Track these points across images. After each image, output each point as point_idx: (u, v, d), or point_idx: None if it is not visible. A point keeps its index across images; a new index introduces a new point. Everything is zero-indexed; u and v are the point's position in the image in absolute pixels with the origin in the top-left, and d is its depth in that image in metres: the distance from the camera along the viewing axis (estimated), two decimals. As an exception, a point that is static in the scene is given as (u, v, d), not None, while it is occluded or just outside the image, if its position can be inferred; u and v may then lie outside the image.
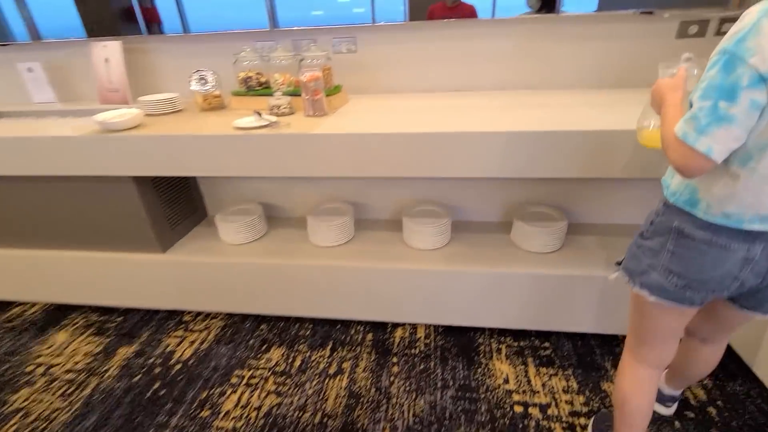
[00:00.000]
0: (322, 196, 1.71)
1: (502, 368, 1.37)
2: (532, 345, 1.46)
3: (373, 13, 1.49)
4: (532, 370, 1.36)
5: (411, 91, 1.61)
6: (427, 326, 1.57)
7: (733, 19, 1.37)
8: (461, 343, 1.48)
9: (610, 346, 1.43)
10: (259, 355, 1.48)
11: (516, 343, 1.47)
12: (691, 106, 0.65)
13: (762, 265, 0.70)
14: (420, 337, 1.52)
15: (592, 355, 1.40)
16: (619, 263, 0.89)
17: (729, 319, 0.89)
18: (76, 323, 1.69)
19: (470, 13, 1.43)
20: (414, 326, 1.57)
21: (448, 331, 1.54)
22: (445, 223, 1.45)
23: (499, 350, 1.44)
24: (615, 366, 1.35)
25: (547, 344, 1.46)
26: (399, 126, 1.18)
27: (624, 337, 1.37)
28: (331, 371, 1.40)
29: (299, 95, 1.36)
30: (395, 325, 1.58)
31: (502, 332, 1.51)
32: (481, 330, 1.53)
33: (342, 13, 1.52)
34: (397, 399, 1.28)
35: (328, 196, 1.71)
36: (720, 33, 1.40)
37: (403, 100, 1.49)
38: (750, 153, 0.64)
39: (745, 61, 0.58)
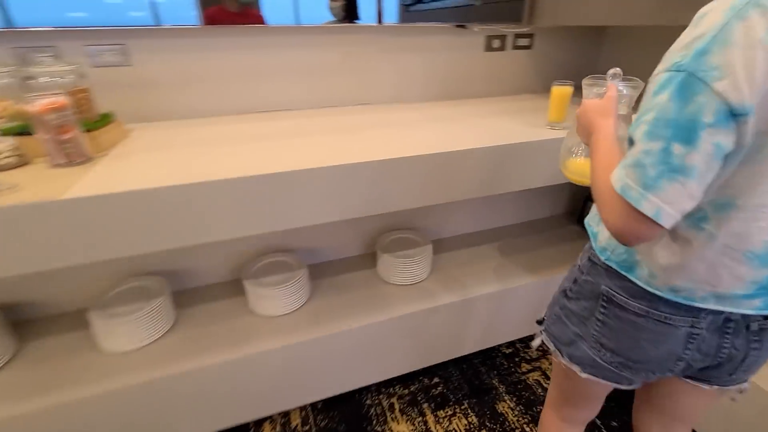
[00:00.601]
0: (115, 274, 1.18)
1: (401, 429, 1.17)
2: (422, 386, 1.30)
3: (155, 15, 1.07)
4: (430, 419, 1.20)
5: (212, 115, 1.25)
6: (302, 408, 1.24)
7: (526, 36, 1.55)
8: (348, 414, 1.21)
9: (491, 359, 1.40)
10: None
11: (406, 390, 1.29)
12: (631, 143, 0.47)
13: (710, 344, 0.56)
14: (296, 426, 1.18)
15: (479, 376, 1.34)
16: (539, 322, 0.76)
17: (680, 401, 0.70)
18: None
19: (257, 19, 1.16)
20: (285, 414, 1.22)
21: (329, 404, 1.25)
22: (299, 277, 1.16)
23: (391, 407, 1.24)
24: (502, 381, 1.31)
25: (437, 379, 1.33)
26: (207, 168, 0.83)
27: (500, 346, 1.31)
28: None
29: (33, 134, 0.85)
30: (259, 422, 1.20)
31: (389, 383, 1.32)
32: (367, 389, 1.30)
33: (112, 16, 1.05)
34: None
35: (123, 272, 1.18)
36: (516, 47, 1.54)
37: (203, 128, 1.12)
38: (705, 213, 0.48)
39: (709, 86, 0.40)
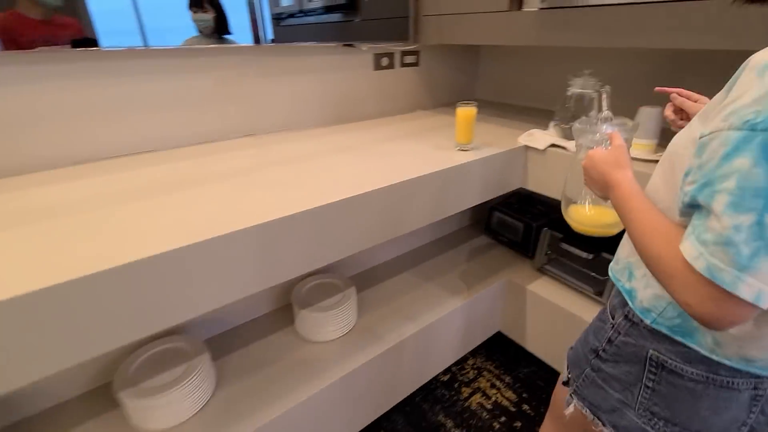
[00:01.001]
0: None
1: None
2: (367, 447, 1.15)
3: None
4: (384, 486, 1.06)
5: (62, 165, 0.92)
6: None
7: (412, 53, 1.53)
8: None
9: (431, 392, 1.32)
10: None
11: (351, 458, 1.12)
12: (695, 206, 0.41)
13: None
14: None
15: (425, 416, 1.24)
16: (565, 383, 0.67)
17: None
18: None
19: (77, 31, 0.87)
20: None
21: None
22: (198, 370, 0.89)
23: (337, 486, 1.06)
24: (447, 415, 1.25)
25: (381, 433, 1.19)
26: (67, 263, 0.56)
27: (438, 375, 1.24)
28: None
29: None
30: None
31: (330, 455, 1.13)
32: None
33: None
34: None
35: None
36: (404, 64, 1.50)
37: (51, 186, 0.80)
38: None
39: None
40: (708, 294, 0.39)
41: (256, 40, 1.09)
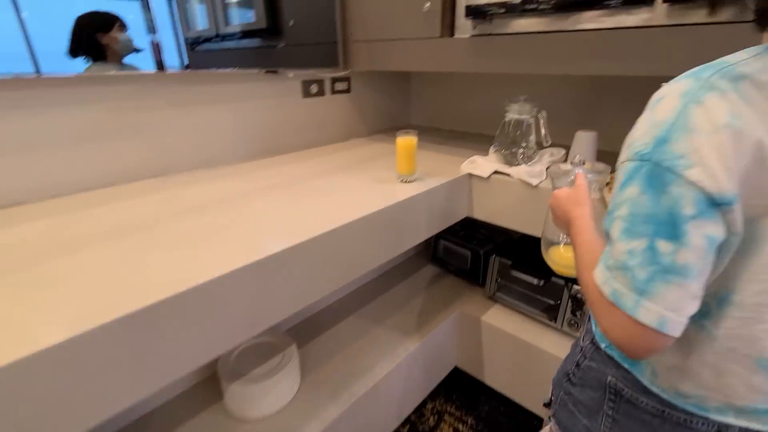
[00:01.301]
0: None
1: None
2: None
3: None
4: None
5: None
6: None
7: (343, 80, 1.45)
8: None
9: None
10: None
11: None
12: (608, 237, 0.42)
13: None
14: None
15: (385, 480, 1.10)
16: (546, 405, 0.65)
17: None
18: None
19: None
20: None
21: None
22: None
23: None
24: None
25: None
26: None
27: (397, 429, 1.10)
28: None
29: None
30: None
31: None
32: None
33: None
34: None
35: None
36: (335, 91, 1.42)
37: None
38: (708, 307, 0.42)
39: (680, 176, 0.36)
40: (617, 320, 0.40)
41: (159, 66, 0.93)
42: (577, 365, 0.59)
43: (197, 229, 0.71)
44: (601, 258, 0.43)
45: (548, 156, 1.03)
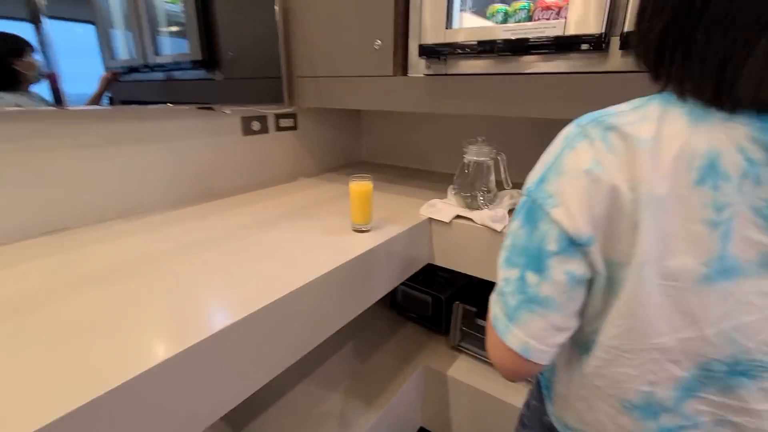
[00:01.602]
0: None
1: None
2: None
3: None
4: None
5: None
6: None
7: (288, 116, 1.34)
8: None
9: None
10: None
11: None
12: None
13: None
14: None
15: None
16: None
17: None
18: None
19: None
20: None
21: None
22: None
23: None
24: None
25: None
26: None
27: None
28: None
29: None
30: None
31: None
32: None
33: None
34: None
35: None
36: (280, 128, 1.31)
37: None
38: (588, 341, 0.43)
39: (548, 214, 0.38)
40: (493, 341, 0.43)
41: (57, 100, 0.77)
42: (527, 406, 0.59)
43: (96, 310, 0.55)
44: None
45: (508, 198, 0.99)
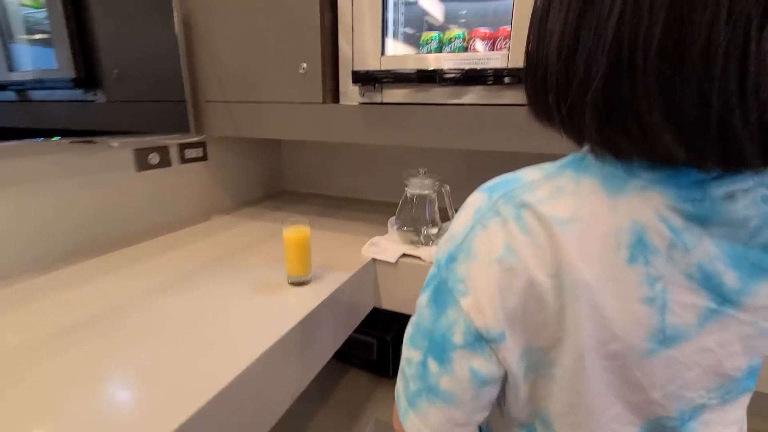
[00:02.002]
0: None
1: None
2: None
3: None
4: None
5: None
6: None
7: (196, 146, 1.15)
8: None
9: None
10: None
11: None
12: None
13: None
14: None
15: None
16: None
17: None
18: None
19: None
20: None
21: None
22: None
23: None
24: None
25: None
26: None
27: None
28: None
29: None
30: None
31: None
32: None
33: None
34: None
35: None
36: (186, 160, 1.11)
37: None
38: (531, 426, 0.38)
39: (457, 301, 0.33)
40: (395, 414, 0.40)
41: None
42: None
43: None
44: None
45: (453, 230, 0.95)
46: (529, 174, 0.34)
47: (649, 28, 0.24)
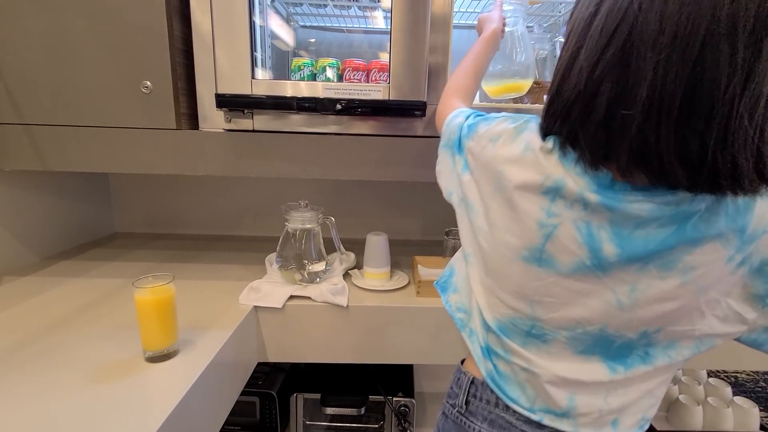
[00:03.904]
0: None
1: None
2: None
3: None
4: None
5: None
6: None
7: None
8: None
9: None
10: None
11: None
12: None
13: None
14: None
15: None
16: None
17: None
18: None
19: None
20: None
21: None
22: None
23: None
24: None
25: None
26: None
27: None
28: None
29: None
30: None
31: None
32: None
33: None
34: None
35: None
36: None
37: None
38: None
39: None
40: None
41: None
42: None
43: None
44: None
45: (338, 263, 0.90)
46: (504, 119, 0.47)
47: (674, 93, 0.31)
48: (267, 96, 0.69)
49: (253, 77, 0.70)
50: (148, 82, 0.70)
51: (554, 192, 0.40)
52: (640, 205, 0.37)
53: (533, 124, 0.44)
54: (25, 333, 0.63)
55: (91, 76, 0.70)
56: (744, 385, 1.69)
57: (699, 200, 0.36)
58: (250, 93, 0.70)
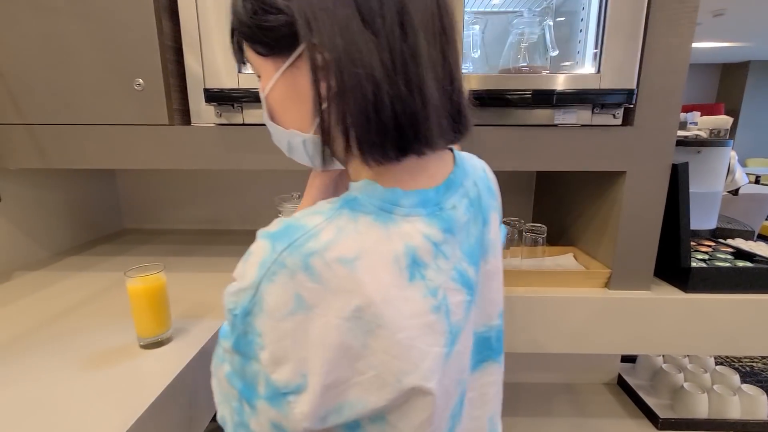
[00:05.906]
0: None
1: None
2: None
3: None
4: None
5: None
6: None
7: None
8: None
9: None
10: None
11: None
12: None
13: None
14: None
15: None
16: None
17: None
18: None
19: None
20: None
21: None
22: None
23: None
24: None
25: None
26: None
27: None
28: None
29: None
30: None
31: None
32: None
33: None
34: None
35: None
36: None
37: None
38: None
39: (257, 354, 0.32)
40: None
41: None
42: None
43: None
44: None
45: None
46: (310, 219, 0.33)
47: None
48: (254, 89, 0.70)
49: (239, 72, 0.71)
50: (141, 80, 0.72)
51: None
52: None
53: None
54: (30, 323, 0.67)
55: (86, 76, 0.73)
56: (759, 375, 1.65)
57: None
58: (237, 87, 0.71)
